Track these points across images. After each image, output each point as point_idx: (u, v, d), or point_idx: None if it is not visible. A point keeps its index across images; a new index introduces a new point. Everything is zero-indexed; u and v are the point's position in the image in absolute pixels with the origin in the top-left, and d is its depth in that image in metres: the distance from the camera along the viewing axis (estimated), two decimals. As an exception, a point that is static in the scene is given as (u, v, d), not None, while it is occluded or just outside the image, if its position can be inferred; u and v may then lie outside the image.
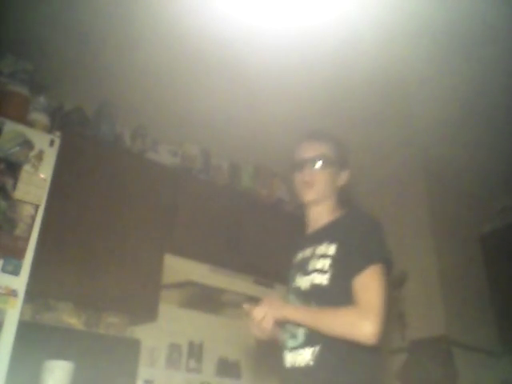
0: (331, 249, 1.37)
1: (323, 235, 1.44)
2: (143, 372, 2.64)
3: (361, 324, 1.21)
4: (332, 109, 2.84)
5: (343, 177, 1.57)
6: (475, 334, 2.95)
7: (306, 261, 1.43)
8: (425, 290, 2.98)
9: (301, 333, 1.35)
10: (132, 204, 2.62)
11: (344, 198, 1.58)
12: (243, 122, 2.99)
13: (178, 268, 2.70)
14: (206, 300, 2.97)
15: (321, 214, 1.53)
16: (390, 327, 3.03)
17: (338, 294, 1.31)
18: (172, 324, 2.88)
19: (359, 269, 1.30)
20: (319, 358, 1.29)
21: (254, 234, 3.02)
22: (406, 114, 2.88)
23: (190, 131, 3.10)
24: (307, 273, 1.40)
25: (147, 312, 2.56)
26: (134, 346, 2.65)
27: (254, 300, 1.44)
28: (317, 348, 1.30)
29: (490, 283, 3.23)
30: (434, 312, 2.89)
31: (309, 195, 1.51)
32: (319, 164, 1.52)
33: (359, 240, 1.35)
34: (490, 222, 3.45)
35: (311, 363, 1.29)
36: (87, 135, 2.68)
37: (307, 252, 1.46)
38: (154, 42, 2.42)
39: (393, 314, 3.05)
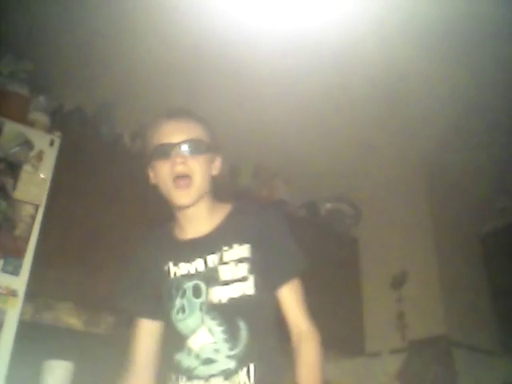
0: (244, 251, 1.15)
1: (224, 237, 1.18)
2: (143, 372, 2.63)
3: (313, 342, 1.15)
4: (332, 109, 2.84)
5: (217, 164, 1.28)
6: (475, 334, 2.95)
7: (215, 269, 1.15)
8: (425, 290, 2.98)
9: (222, 356, 1.10)
10: (132, 204, 2.62)
11: (216, 189, 1.30)
12: (243, 122, 2.99)
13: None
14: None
15: (198, 214, 1.23)
16: (390, 327, 3.03)
17: (263, 304, 1.15)
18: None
19: (286, 279, 1.17)
20: (259, 377, 1.08)
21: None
22: (407, 115, 2.88)
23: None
24: (223, 283, 1.13)
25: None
26: (133, 346, 2.65)
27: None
28: (251, 367, 1.09)
29: (489, 283, 3.23)
30: (433, 312, 2.89)
31: (187, 197, 1.18)
32: (193, 149, 1.18)
33: (276, 240, 1.19)
34: (490, 222, 3.44)
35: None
36: (87, 135, 2.68)
37: (213, 258, 1.16)
38: (155, 42, 2.42)
39: (393, 314, 3.05)
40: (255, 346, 1.11)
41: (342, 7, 2.15)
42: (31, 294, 1.99)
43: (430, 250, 3.08)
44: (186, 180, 1.17)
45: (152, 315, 1.26)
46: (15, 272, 1.90)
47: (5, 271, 1.88)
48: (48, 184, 2.11)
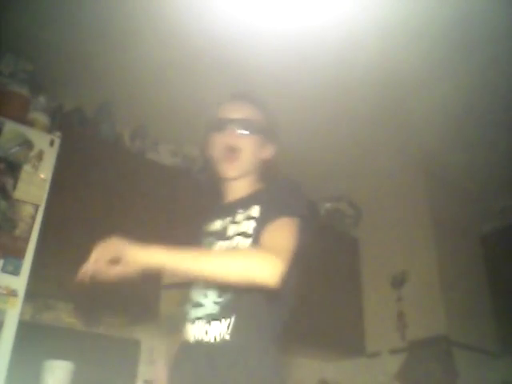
0: (255, 210, 1.22)
1: (245, 202, 1.28)
2: (143, 372, 2.64)
3: (262, 263, 1.04)
4: (332, 109, 2.84)
5: (269, 150, 1.37)
6: (475, 334, 2.95)
7: (225, 227, 1.27)
8: (425, 290, 2.98)
9: (210, 301, 1.18)
10: (132, 204, 2.62)
11: (267, 175, 1.38)
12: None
13: (178, 268, 2.70)
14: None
15: (240, 188, 1.34)
16: (390, 327, 3.04)
17: None
18: (172, 324, 2.87)
19: (271, 219, 1.15)
20: (235, 332, 1.11)
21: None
22: (407, 115, 2.88)
23: (190, 131, 3.10)
24: (228, 238, 1.23)
25: (147, 312, 2.55)
26: (133, 346, 2.65)
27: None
28: (232, 319, 1.13)
29: (490, 283, 3.23)
30: (434, 312, 2.89)
31: (233, 170, 1.30)
32: (246, 127, 1.30)
33: (278, 197, 1.22)
34: (490, 221, 3.45)
35: (227, 337, 1.11)
36: (87, 135, 2.68)
37: (227, 220, 1.29)
38: (154, 42, 2.42)
39: (393, 314, 3.06)
40: (240, 299, 1.14)
41: (341, 7, 2.15)
42: (31, 294, 1.99)
43: (430, 250, 3.08)
44: (235, 153, 1.29)
45: None
46: (15, 272, 1.90)
47: (5, 271, 1.88)
48: (48, 184, 2.11)
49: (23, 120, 2.19)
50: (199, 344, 1.16)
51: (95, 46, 2.46)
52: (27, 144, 2.10)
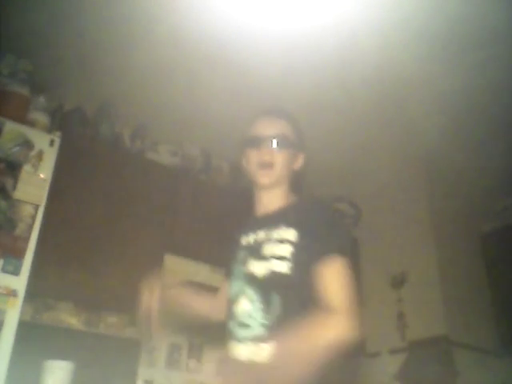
0: (290, 234, 1.25)
1: (278, 219, 1.32)
2: (143, 372, 2.64)
3: (340, 332, 1.09)
4: (332, 109, 2.84)
5: (300, 160, 1.45)
6: (475, 334, 2.95)
7: (260, 244, 1.30)
8: (425, 290, 2.98)
9: (256, 323, 1.21)
10: (132, 204, 2.62)
11: (297, 184, 1.47)
12: (243, 122, 2.98)
13: (178, 268, 2.70)
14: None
15: (273, 198, 1.41)
16: (390, 327, 3.03)
17: (300, 284, 1.20)
18: (172, 324, 2.88)
19: (322, 257, 1.19)
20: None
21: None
22: (406, 115, 2.88)
23: (190, 131, 3.10)
24: (263, 258, 1.26)
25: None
26: (133, 346, 2.65)
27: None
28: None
29: (490, 283, 3.23)
30: (433, 312, 2.89)
31: (267, 178, 1.37)
32: (279, 143, 1.38)
33: (322, 228, 1.25)
34: (490, 221, 3.44)
35: (274, 358, 1.14)
36: (87, 135, 2.68)
37: (261, 235, 1.32)
38: (154, 42, 2.42)
39: (393, 314, 3.05)
40: (285, 321, 1.17)
41: (341, 7, 2.15)
42: (31, 294, 1.99)
43: (429, 250, 3.08)
44: (271, 168, 1.37)
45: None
46: (15, 272, 1.90)
47: (5, 271, 1.88)
48: (48, 184, 2.11)
49: (23, 120, 2.19)
50: (248, 364, 1.19)
51: (95, 46, 2.46)
52: (27, 144, 2.10)
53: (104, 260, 2.40)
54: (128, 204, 2.60)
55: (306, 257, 1.21)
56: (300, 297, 1.21)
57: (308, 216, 1.29)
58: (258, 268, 1.26)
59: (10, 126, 2.10)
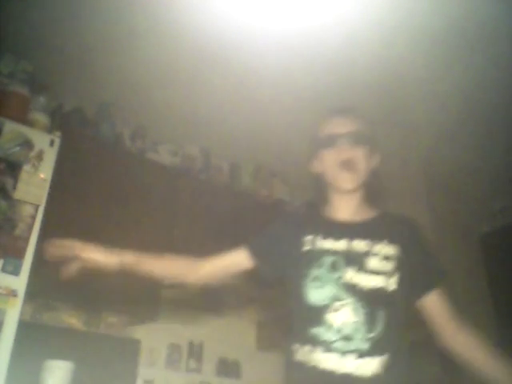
0: (395, 250, 1.26)
1: (374, 231, 1.29)
2: (143, 372, 2.64)
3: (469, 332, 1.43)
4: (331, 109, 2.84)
5: (376, 159, 1.41)
6: (475, 334, 2.95)
7: (361, 256, 1.25)
8: (425, 290, 2.98)
9: (360, 336, 1.18)
10: (132, 204, 2.62)
11: (373, 190, 1.42)
12: (243, 122, 2.99)
13: (178, 268, 2.70)
14: (206, 300, 2.97)
15: (353, 201, 1.36)
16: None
17: (404, 300, 1.26)
18: (172, 324, 2.88)
19: (433, 286, 1.32)
20: (389, 368, 1.17)
21: (253, 234, 3.02)
22: (406, 115, 2.88)
23: (190, 131, 3.10)
24: (368, 271, 1.22)
25: (147, 312, 2.55)
26: (133, 346, 2.65)
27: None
28: (385, 357, 1.18)
29: (489, 283, 3.23)
30: (433, 312, 2.89)
31: (351, 182, 1.32)
32: (358, 139, 1.33)
33: (423, 250, 1.35)
34: (490, 221, 3.45)
35: (380, 372, 1.16)
36: (87, 135, 2.68)
37: (360, 245, 1.26)
38: (154, 42, 2.42)
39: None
40: (389, 337, 1.20)
41: (341, 7, 2.15)
42: (31, 294, 1.99)
43: (429, 249, 3.07)
44: (353, 165, 1.31)
45: (256, 255, 1.48)
46: (15, 272, 1.90)
47: (5, 271, 1.88)
48: (48, 184, 2.11)
49: (23, 120, 2.19)
50: (346, 378, 1.16)
51: (95, 46, 2.46)
52: (27, 144, 2.10)
53: (104, 260, 2.40)
54: (128, 204, 2.61)
55: (411, 276, 1.27)
56: (400, 315, 1.26)
57: (410, 234, 1.32)
58: (364, 280, 1.22)
59: (10, 126, 2.10)
